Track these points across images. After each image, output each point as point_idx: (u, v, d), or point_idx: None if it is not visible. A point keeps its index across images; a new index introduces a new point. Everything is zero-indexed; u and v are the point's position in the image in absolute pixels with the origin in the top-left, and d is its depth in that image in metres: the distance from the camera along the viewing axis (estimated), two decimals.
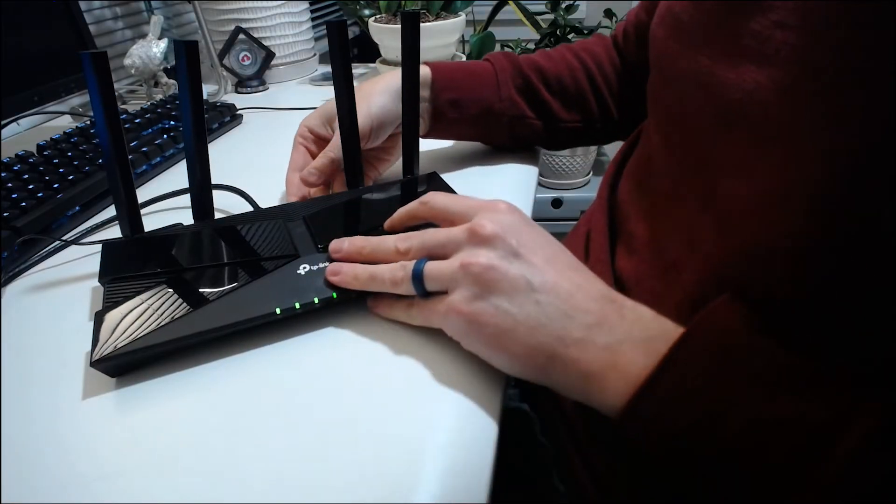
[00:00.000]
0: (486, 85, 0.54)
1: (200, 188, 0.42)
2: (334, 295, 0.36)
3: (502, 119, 0.55)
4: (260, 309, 0.34)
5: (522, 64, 0.55)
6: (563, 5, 1.39)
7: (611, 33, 0.60)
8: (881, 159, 0.24)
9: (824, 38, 0.25)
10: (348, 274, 0.36)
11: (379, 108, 0.49)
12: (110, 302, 0.35)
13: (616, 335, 0.28)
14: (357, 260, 0.37)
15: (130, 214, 0.41)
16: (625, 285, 0.38)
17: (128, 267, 0.39)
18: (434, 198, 0.36)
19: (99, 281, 0.38)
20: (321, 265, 0.38)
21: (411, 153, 0.49)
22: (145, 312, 0.34)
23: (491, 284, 0.30)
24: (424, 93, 0.52)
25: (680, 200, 0.35)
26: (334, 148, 0.48)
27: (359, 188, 0.48)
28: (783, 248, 0.27)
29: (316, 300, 0.35)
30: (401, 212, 0.38)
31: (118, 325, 0.33)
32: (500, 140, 0.58)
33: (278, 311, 0.34)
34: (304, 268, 0.38)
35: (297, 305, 0.35)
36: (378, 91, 0.50)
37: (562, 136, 0.58)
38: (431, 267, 0.33)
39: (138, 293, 0.36)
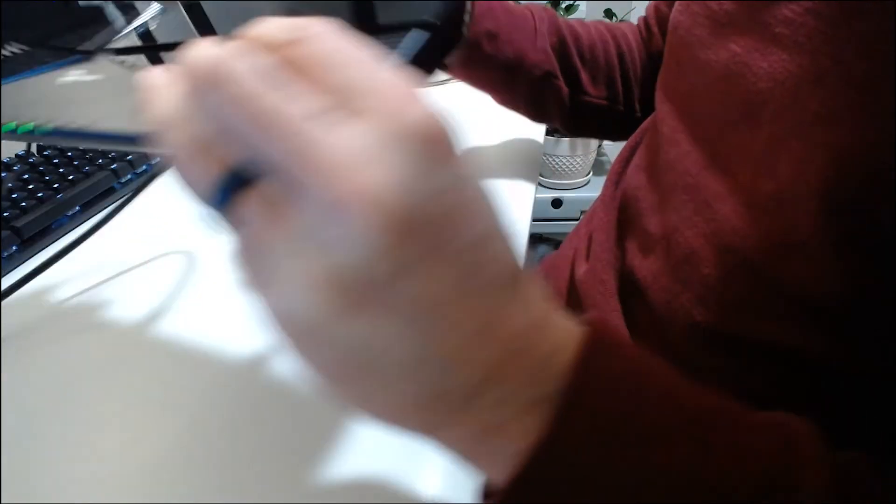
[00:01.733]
0: (525, 28, 0.50)
1: None
2: (31, 126, 0.20)
3: (534, 72, 0.51)
4: None
5: (561, 22, 0.52)
6: (563, 5, 1.39)
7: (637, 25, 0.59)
8: None
9: (856, 29, 0.25)
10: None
11: None
12: None
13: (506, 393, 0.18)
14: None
15: None
16: (639, 284, 0.38)
17: None
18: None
19: None
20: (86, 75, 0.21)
21: None
22: None
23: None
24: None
25: (697, 193, 0.34)
26: None
27: None
28: (813, 240, 0.27)
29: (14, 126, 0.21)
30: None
31: None
32: (520, 100, 0.55)
33: None
34: (72, 76, 0.22)
35: None
36: None
37: (583, 111, 0.55)
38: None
39: None
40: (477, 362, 0.17)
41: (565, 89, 0.53)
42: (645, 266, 0.38)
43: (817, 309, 0.28)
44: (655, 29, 0.54)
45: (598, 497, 0.18)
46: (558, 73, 0.52)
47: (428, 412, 0.18)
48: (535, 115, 0.57)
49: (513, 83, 0.53)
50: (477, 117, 0.72)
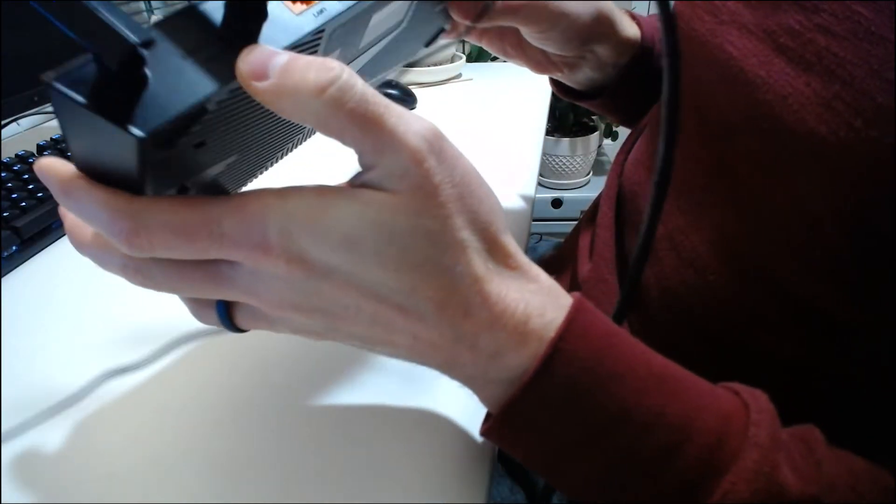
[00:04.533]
0: None
1: None
2: None
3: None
4: None
5: None
6: None
7: None
8: None
9: (867, 53, 0.23)
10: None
11: None
12: None
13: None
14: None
15: None
16: (640, 286, 0.36)
17: None
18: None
19: None
20: None
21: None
22: None
23: None
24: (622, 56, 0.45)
25: (700, 194, 0.33)
26: None
27: None
28: (821, 259, 0.26)
29: None
30: None
31: None
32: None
33: None
34: None
35: None
36: None
37: None
38: None
39: None
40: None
41: None
42: (647, 269, 0.37)
43: (828, 322, 0.27)
44: None
45: (573, 428, 0.23)
46: None
47: (445, 350, 0.23)
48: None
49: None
50: (477, 117, 0.72)
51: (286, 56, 0.18)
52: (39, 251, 0.49)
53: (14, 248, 0.47)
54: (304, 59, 0.18)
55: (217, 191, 0.25)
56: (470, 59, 1.11)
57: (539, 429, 0.24)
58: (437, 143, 0.21)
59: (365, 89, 0.19)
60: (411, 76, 0.85)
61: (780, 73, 0.26)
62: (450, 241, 0.21)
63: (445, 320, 0.22)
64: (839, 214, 0.25)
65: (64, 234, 0.51)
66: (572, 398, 0.23)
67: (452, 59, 0.89)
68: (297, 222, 0.20)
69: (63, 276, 0.45)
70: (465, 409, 0.31)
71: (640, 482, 0.23)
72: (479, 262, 0.22)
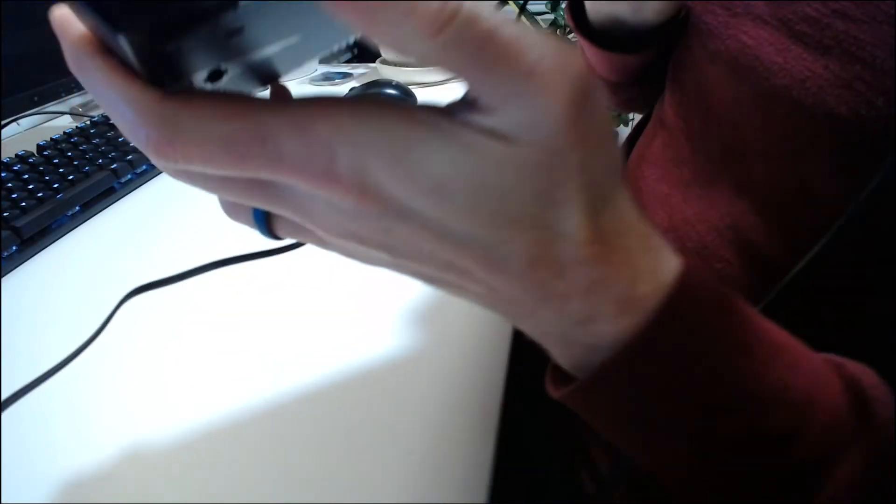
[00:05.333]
0: None
1: None
2: None
3: None
4: None
5: None
6: (563, 5, 1.39)
7: None
8: None
9: (886, 33, 0.24)
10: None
11: None
12: None
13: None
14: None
15: None
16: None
17: None
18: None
19: None
20: None
21: None
22: None
23: None
24: None
25: (708, 186, 0.33)
26: None
27: None
28: (832, 245, 0.26)
29: None
30: None
31: None
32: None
33: None
34: None
35: None
36: None
37: None
38: None
39: None
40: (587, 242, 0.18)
41: None
42: None
43: (838, 307, 0.28)
44: None
45: (681, 405, 0.20)
46: None
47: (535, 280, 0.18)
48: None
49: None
50: None
51: None
52: (39, 251, 0.49)
53: (14, 248, 0.47)
54: None
55: (269, 73, 0.20)
56: None
57: (638, 400, 0.21)
58: (587, 89, 0.15)
59: (492, 17, 0.14)
60: (411, 76, 0.85)
61: (797, 59, 0.27)
62: (559, 198, 0.17)
63: (533, 278, 0.18)
64: (849, 196, 0.25)
65: (64, 235, 0.51)
66: (684, 371, 0.20)
67: None
68: (376, 156, 0.15)
69: (63, 276, 0.45)
70: (466, 408, 0.31)
71: (754, 461, 0.21)
72: (585, 222, 0.18)
